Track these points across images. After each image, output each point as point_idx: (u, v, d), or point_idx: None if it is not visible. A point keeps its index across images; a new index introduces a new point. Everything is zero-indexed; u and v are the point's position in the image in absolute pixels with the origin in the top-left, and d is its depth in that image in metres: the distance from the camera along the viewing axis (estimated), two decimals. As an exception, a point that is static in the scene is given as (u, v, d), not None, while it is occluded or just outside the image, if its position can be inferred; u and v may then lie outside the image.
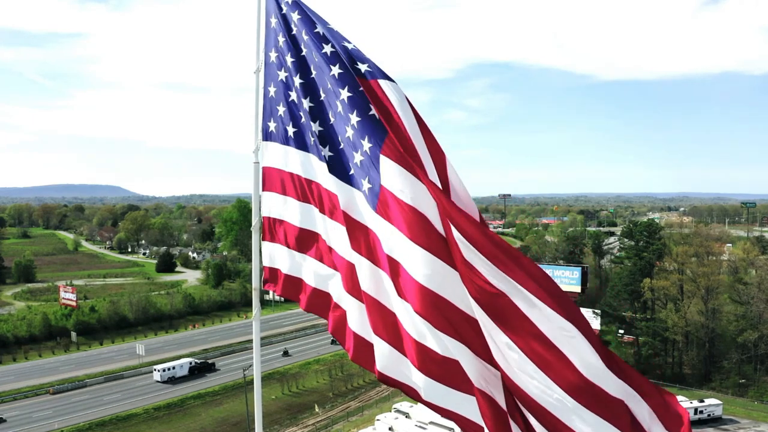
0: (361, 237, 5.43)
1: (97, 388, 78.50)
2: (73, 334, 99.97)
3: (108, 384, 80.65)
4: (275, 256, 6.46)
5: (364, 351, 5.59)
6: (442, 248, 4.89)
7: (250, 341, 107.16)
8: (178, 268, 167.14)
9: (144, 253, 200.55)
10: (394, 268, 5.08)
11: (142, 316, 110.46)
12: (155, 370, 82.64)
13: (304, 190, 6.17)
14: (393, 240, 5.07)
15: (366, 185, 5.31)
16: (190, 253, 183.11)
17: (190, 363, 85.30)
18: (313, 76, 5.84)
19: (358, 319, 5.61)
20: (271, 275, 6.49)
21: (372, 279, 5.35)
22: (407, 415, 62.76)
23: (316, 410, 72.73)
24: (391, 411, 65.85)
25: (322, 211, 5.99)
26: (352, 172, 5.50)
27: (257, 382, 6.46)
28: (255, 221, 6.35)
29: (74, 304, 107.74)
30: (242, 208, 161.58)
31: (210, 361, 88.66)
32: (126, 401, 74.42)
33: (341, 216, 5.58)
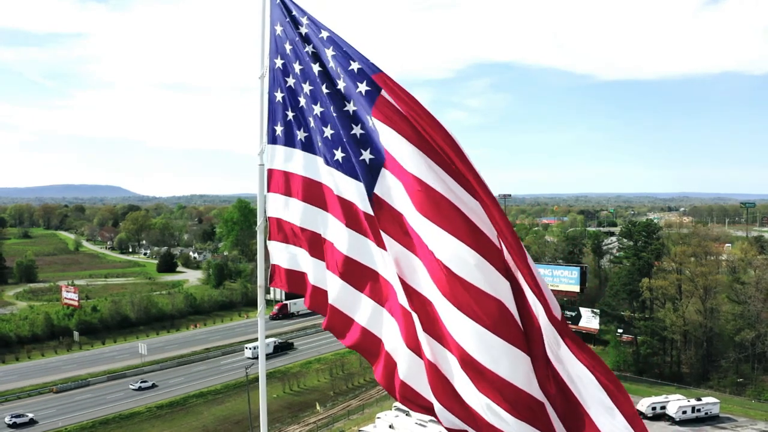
0: (418, 302, 5.15)
1: (100, 387, 79.05)
2: (76, 334, 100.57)
3: (110, 383, 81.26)
4: (297, 261, 6.42)
5: (417, 402, 5.46)
6: (516, 334, 4.71)
7: (319, 324, 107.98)
8: (179, 268, 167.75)
9: (145, 254, 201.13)
10: (457, 347, 4.85)
11: (144, 315, 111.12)
12: (246, 348, 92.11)
13: (352, 213, 5.74)
14: (458, 321, 4.80)
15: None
16: (191, 253, 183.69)
17: (275, 342, 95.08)
18: (326, 85, 5.72)
19: (412, 372, 5.39)
20: (314, 297, 6.30)
21: (429, 347, 5.11)
22: (407, 413, 63.03)
23: (318, 409, 73.28)
24: (391, 409, 66.25)
25: (379, 245, 5.54)
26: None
27: (262, 379, 6.56)
28: (260, 221, 6.55)
29: (76, 303, 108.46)
30: (243, 208, 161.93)
31: (290, 341, 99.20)
32: (128, 400, 75.05)
33: (396, 262, 5.29)
